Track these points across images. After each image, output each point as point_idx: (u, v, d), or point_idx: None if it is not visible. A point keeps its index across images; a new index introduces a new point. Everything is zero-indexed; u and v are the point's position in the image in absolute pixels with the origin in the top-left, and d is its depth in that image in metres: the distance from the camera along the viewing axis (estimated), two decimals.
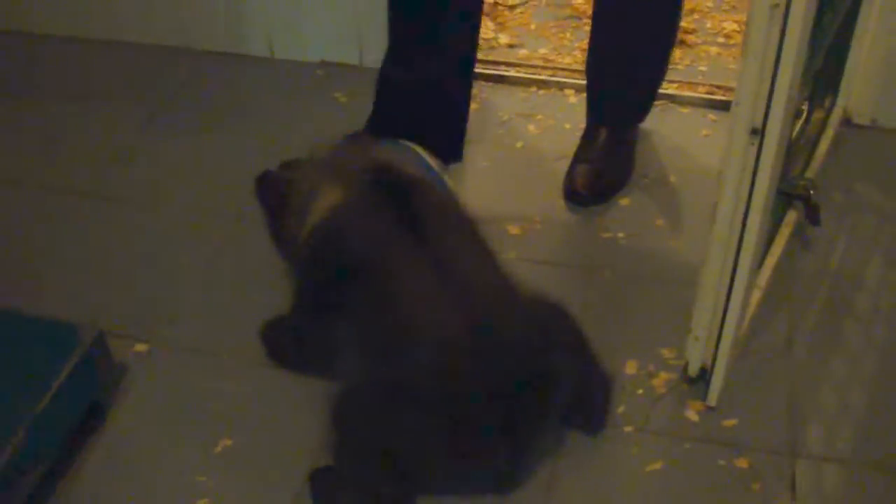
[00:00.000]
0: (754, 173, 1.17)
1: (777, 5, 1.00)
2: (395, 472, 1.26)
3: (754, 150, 1.16)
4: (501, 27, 2.26)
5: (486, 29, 2.21)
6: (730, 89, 2.01)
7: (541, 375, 1.25)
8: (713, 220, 1.27)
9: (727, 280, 1.30)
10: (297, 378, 1.49)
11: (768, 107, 1.11)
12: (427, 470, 1.27)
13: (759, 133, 1.14)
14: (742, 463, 1.37)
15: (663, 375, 1.49)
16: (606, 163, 1.78)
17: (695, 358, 1.42)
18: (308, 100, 2.08)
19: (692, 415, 1.44)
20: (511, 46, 2.17)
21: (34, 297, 1.64)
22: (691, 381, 1.46)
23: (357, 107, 2.03)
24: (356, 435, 1.28)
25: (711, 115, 1.98)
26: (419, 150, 1.63)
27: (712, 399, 1.42)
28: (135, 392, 1.49)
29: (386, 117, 1.79)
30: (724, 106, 1.99)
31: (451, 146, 1.79)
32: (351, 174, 1.37)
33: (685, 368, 1.45)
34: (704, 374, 1.43)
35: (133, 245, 1.77)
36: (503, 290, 1.31)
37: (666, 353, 1.52)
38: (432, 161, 1.63)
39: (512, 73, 2.07)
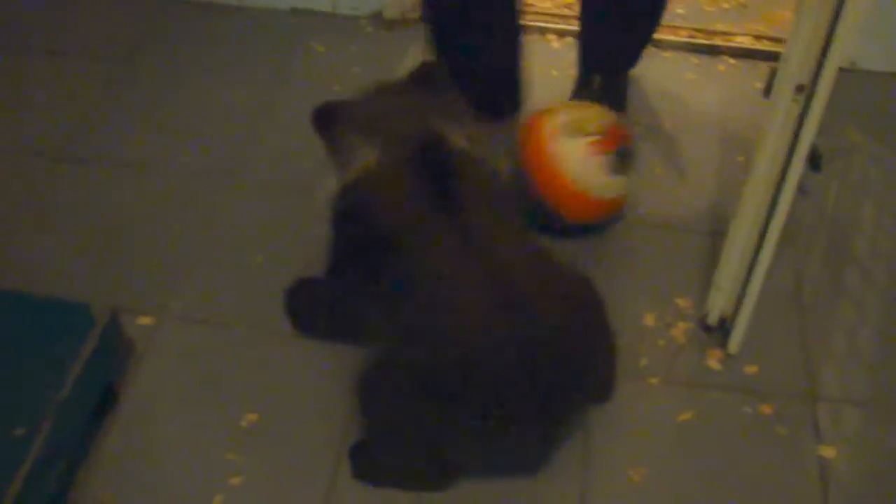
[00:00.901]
0: (798, 128, 1.18)
1: None
2: (428, 451, 1.25)
3: (798, 106, 1.16)
4: None
5: None
6: (711, 32, 2.01)
7: (574, 357, 1.22)
8: (749, 173, 1.27)
9: (757, 233, 1.31)
10: (318, 346, 1.46)
11: (820, 64, 1.11)
12: (459, 451, 1.26)
13: (804, 90, 1.15)
14: (766, 409, 1.41)
15: (681, 325, 1.51)
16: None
17: (716, 308, 1.44)
18: (284, 50, 1.99)
19: (714, 363, 1.46)
20: None
21: (17, 272, 1.55)
22: (709, 330, 1.48)
23: (337, 57, 1.96)
24: (386, 416, 1.25)
25: (694, 59, 1.98)
26: None
27: (733, 347, 1.45)
28: (146, 368, 1.43)
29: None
30: (705, 50, 1.99)
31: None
32: (396, 137, 1.28)
33: (705, 318, 1.47)
34: (724, 324, 1.46)
35: (117, 211, 1.67)
36: (535, 272, 1.25)
37: (681, 302, 1.54)
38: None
39: None
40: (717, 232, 1.64)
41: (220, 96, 1.88)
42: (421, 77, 1.41)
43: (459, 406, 1.17)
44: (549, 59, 1.95)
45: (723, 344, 1.47)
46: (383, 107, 1.34)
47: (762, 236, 1.32)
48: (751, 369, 1.45)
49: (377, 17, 2.04)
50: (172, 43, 2.01)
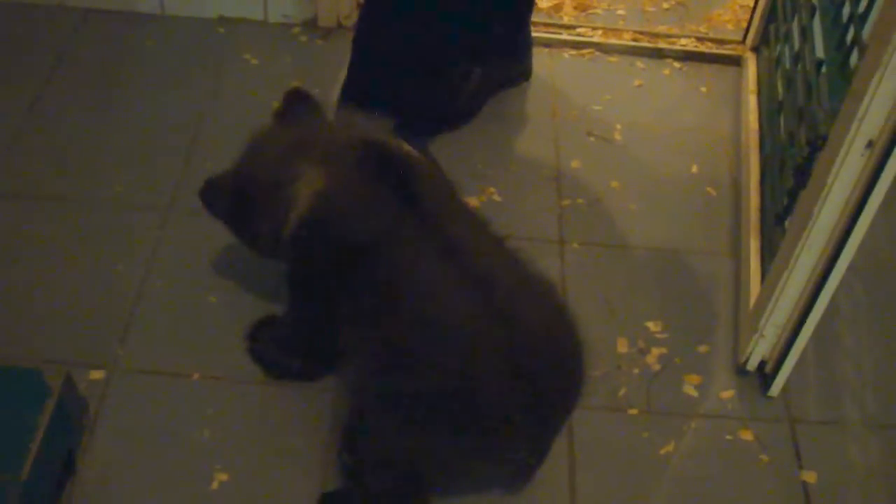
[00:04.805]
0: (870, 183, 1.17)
1: None
2: (416, 481, 1.20)
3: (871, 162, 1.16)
4: None
5: None
6: (655, 35, 1.98)
7: (568, 362, 1.18)
8: (805, 228, 1.25)
9: (812, 288, 1.30)
10: (282, 389, 1.38)
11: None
12: (451, 474, 1.22)
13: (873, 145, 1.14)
14: (747, 435, 1.40)
15: (655, 351, 1.48)
16: None
17: (757, 353, 1.43)
18: (214, 63, 1.87)
19: (690, 390, 1.45)
20: None
21: None
22: (744, 374, 1.47)
23: (273, 70, 1.85)
24: (383, 451, 1.19)
25: (640, 63, 1.95)
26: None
27: (776, 391, 1.44)
28: (103, 432, 1.32)
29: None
30: (650, 53, 1.96)
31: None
32: (333, 152, 1.21)
33: (745, 362, 1.45)
34: (762, 367, 1.45)
35: (46, 253, 1.53)
36: (519, 272, 1.20)
37: (651, 326, 1.51)
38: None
39: None
40: (677, 250, 1.63)
41: (149, 117, 1.74)
42: (294, 104, 1.33)
43: (462, 426, 1.11)
44: None
45: (762, 386, 1.45)
46: (296, 137, 1.26)
47: (818, 290, 1.31)
48: (727, 394, 1.44)
49: (311, 25, 1.94)
50: (94, 59, 1.85)
